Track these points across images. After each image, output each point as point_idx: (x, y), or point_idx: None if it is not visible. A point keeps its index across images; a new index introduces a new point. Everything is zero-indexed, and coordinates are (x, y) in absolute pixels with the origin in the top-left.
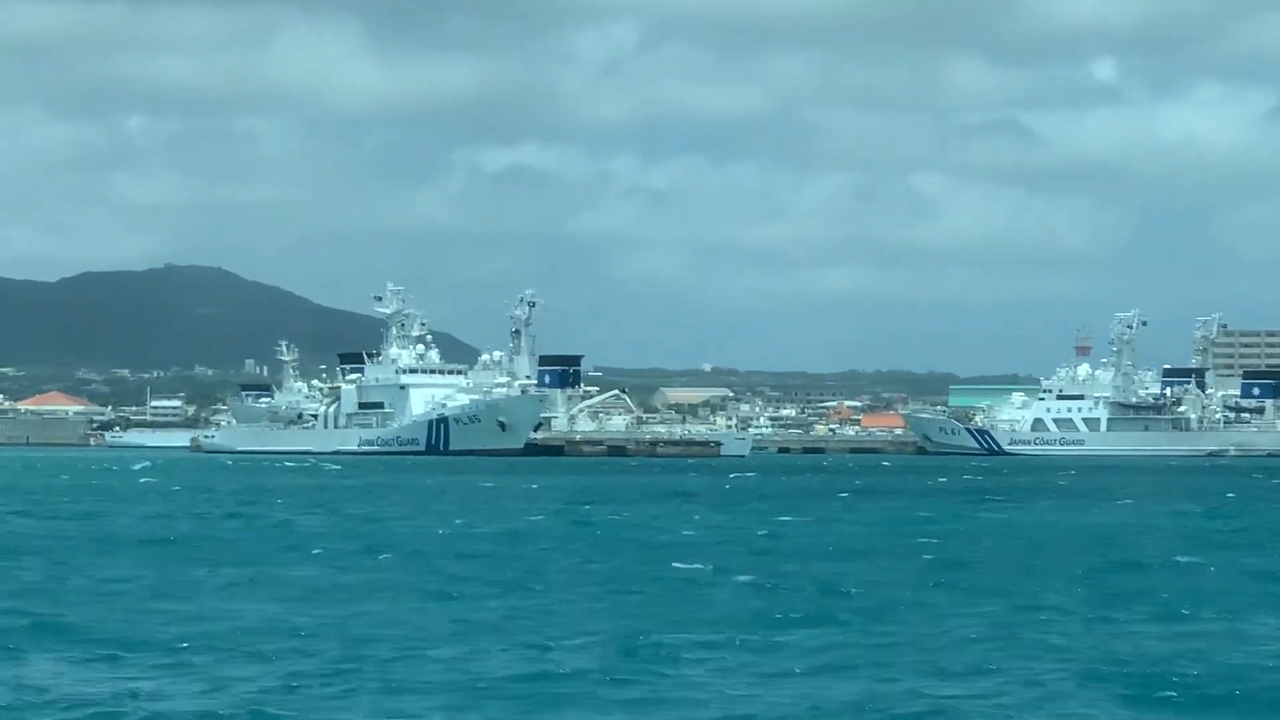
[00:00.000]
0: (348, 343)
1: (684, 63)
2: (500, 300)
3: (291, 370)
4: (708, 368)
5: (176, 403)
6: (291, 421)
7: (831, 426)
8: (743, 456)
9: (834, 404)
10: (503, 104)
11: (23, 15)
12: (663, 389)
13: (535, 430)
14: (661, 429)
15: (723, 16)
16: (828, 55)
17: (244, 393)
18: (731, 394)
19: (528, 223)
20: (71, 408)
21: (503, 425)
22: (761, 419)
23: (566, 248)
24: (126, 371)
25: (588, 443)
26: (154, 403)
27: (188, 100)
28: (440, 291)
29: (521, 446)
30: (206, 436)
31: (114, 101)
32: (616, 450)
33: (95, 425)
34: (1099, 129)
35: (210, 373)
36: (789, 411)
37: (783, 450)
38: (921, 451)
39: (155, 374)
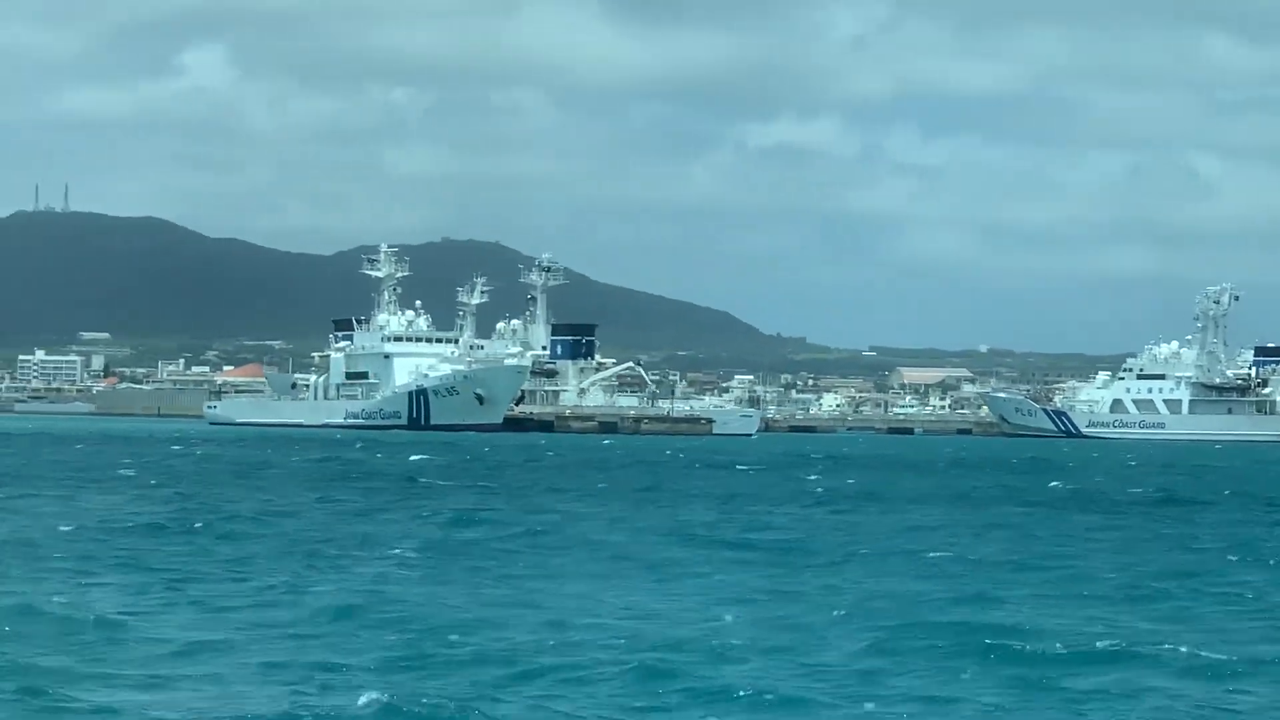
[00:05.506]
0: (622, 321)
1: (933, 38)
2: (777, 275)
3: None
4: (984, 349)
5: None
6: (286, 393)
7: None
8: (748, 435)
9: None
10: (754, 79)
11: None
12: (900, 368)
13: (518, 403)
14: (665, 405)
15: None
16: (1078, 31)
17: None
18: (969, 374)
19: (798, 198)
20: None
21: (480, 398)
22: (907, 399)
23: (840, 224)
24: None
25: (576, 419)
26: None
27: (438, 71)
28: (713, 266)
29: (500, 421)
30: (209, 407)
31: (366, 72)
32: (607, 427)
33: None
34: None
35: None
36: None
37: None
38: (1000, 433)
39: None
